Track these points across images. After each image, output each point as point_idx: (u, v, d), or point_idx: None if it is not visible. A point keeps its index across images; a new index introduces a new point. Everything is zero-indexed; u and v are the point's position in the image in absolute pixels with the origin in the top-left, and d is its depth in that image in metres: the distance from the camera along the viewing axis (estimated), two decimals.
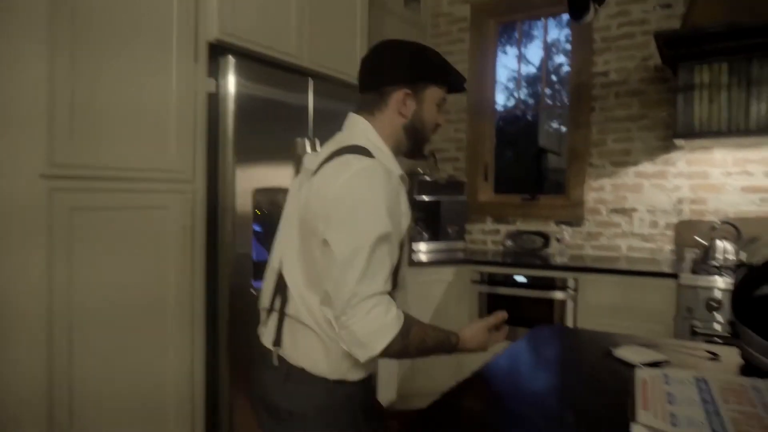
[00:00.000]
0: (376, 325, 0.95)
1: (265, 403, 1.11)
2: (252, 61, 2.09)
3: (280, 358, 1.09)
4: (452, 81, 1.16)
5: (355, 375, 1.07)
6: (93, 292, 1.60)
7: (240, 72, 2.03)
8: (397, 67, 1.11)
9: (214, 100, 2.02)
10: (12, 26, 1.51)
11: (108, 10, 1.64)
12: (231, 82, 2.00)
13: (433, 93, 1.13)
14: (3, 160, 1.53)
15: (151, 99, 1.78)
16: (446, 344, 1.09)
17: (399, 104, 1.10)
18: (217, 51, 2.01)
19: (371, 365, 1.08)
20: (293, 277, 1.07)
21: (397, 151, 1.15)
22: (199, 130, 1.95)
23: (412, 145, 1.15)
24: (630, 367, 1.09)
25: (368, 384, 1.13)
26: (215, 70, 2.01)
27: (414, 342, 1.00)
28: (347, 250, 0.96)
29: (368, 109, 1.13)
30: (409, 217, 1.09)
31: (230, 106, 2.01)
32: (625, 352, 1.18)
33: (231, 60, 2.00)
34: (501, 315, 1.19)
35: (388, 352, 0.97)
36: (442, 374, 2.78)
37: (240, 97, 2.03)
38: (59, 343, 1.53)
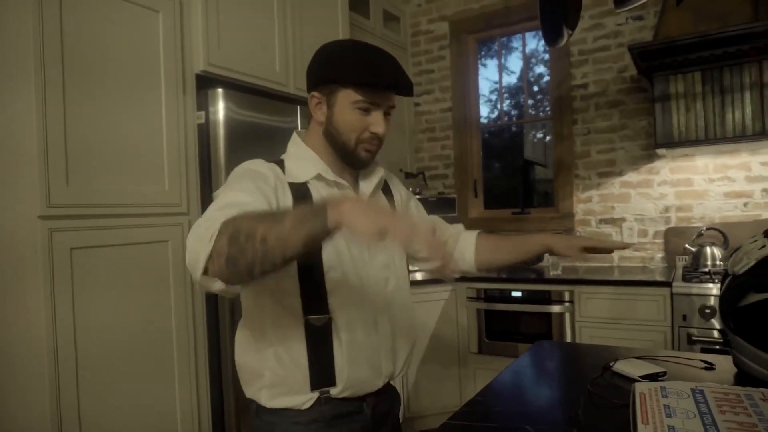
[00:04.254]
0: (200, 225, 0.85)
1: None
2: (240, 91, 2.12)
3: None
4: (368, 82, 0.98)
5: (271, 402, 1.01)
6: (96, 329, 1.61)
7: (228, 100, 2.05)
8: (308, 71, 1.06)
9: (204, 130, 2.04)
10: (2, 72, 1.53)
11: (95, 49, 1.66)
12: (220, 110, 2.03)
13: (346, 96, 1.00)
14: (2, 204, 1.54)
15: (143, 134, 1.80)
16: (310, 215, 0.78)
17: (313, 110, 1.05)
18: (205, 83, 2.04)
19: (295, 397, 1.00)
20: None
21: (335, 158, 1.07)
22: (191, 161, 1.97)
23: (338, 152, 1.05)
24: (629, 380, 1.12)
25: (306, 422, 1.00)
26: (204, 102, 2.04)
27: (244, 225, 0.77)
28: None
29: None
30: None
31: (220, 132, 2.03)
32: (623, 366, 1.20)
33: (219, 91, 2.03)
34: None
35: (218, 252, 0.77)
36: (446, 394, 2.80)
37: (229, 123, 2.05)
38: (65, 384, 1.53)
